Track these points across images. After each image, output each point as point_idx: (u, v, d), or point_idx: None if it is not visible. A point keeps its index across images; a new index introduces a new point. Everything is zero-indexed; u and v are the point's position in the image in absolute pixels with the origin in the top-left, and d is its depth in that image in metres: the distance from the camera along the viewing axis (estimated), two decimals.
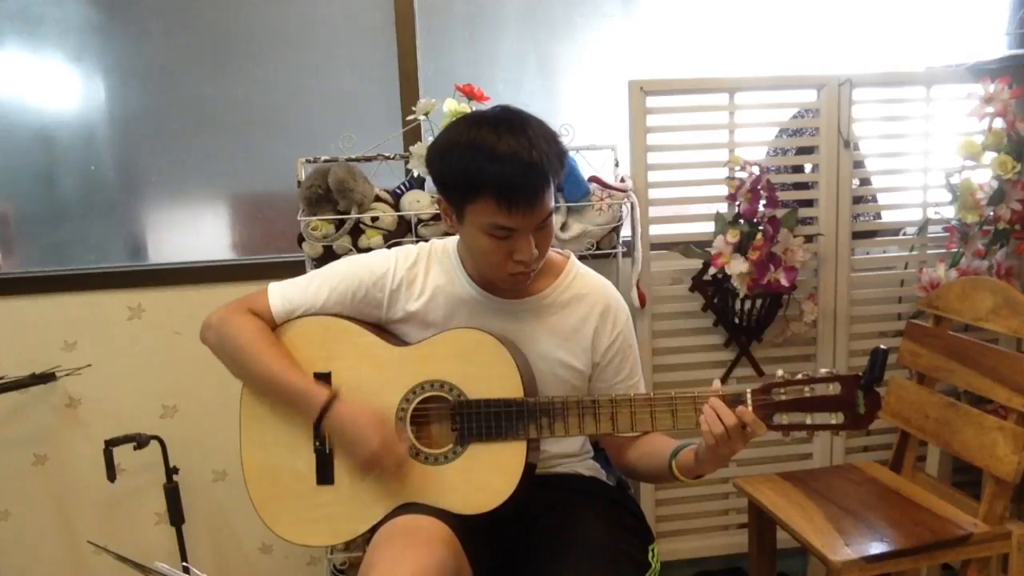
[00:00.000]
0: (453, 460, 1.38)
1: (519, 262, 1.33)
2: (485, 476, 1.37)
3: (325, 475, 1.43)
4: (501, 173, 1.25)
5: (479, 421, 1.37)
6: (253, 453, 1.46)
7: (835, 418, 1.29)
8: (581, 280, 1.50)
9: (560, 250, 1.54)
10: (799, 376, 1.30)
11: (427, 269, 1.48)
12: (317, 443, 1.43)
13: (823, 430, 1.30)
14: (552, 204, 1.33)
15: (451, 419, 1.40)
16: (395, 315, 1.47)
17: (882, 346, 1.26)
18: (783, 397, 1.29)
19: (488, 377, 1.38)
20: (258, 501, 1.45)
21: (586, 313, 1.47)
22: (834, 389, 1.28)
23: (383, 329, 1.49)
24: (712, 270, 2.13)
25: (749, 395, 1.30)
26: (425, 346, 1.42)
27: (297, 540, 1.44)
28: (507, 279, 1.38)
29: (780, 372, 1.32)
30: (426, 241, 1.54)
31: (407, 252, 1.50)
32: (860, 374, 1.28)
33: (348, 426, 1.36)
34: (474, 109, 1.94)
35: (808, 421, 1.29)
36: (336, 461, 1.43)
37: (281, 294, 1.47)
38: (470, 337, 1.39)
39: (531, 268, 1.36)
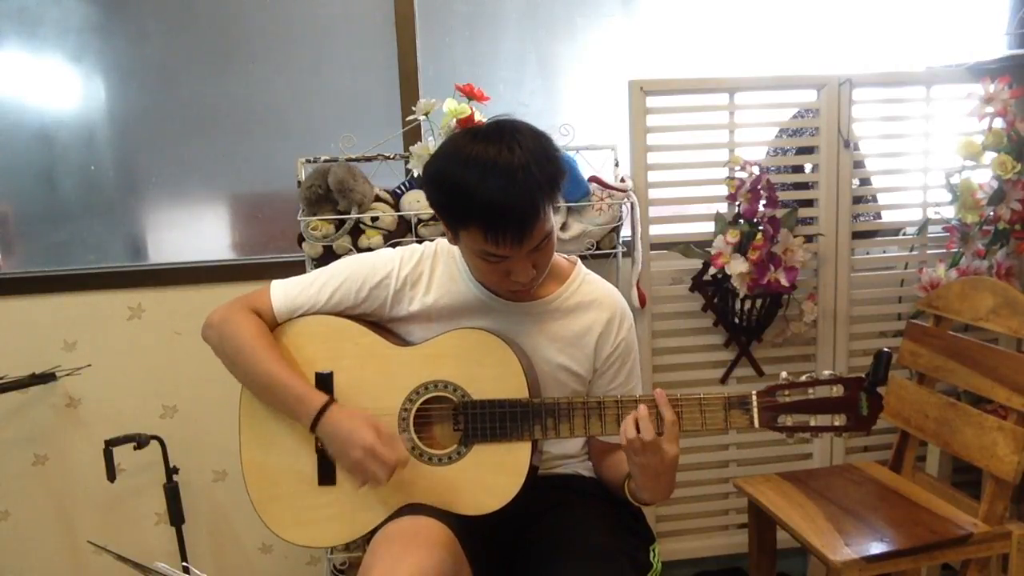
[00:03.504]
0: (457, 461, 1.38)
1: (516, 282, 1.34)
2: (490, 477, 1.36)
3: (327, 475, 1.42)
4: (486, 210, 1.23)
5: (483, 422, 1.36)
6: (253, 453, 1.45)
7: (838, 420, 1.29)
8: (587, 286, 1.49)
9: (567, 255, 1.54)
10: (803, 378, 1.30)
11: (432, 269, 1.47)
12: (319, 444, 1.42)
13: (826, 432, 1.30)
14: (548, 227, 1.30)
15: (455, 420, 1.40)
16: (398, 314, 1.46)
17: (886, 349, 1.26)
18: (787, 399, 1.30)
19: (492, 377, 1.37)
20: (258, 501, 1.44)
21: (591, 320, 1.46)
22: (837, 391, 1.28)
23: (386, 328, 1.48)
24: (712, 270, 2.13)
25: (754, 397, 1.30)
26: (429, 346, 1.42)
27: (298, 541, 1.43)
28: (506, 292, 1.40)
29: (784, 374, 1.32)
30: (425, 241, 1.53)
31: (411, 251, 1.49)
32: (863, 376, 1.28)
33: (340, 431, 1.33)
34: (474, 109, 1.94)
35: (812, 423, 1.29)
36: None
37: (284, 292, 1.46)
38: (474, 337, 1.39)
39: (530, 286, 1.37)
